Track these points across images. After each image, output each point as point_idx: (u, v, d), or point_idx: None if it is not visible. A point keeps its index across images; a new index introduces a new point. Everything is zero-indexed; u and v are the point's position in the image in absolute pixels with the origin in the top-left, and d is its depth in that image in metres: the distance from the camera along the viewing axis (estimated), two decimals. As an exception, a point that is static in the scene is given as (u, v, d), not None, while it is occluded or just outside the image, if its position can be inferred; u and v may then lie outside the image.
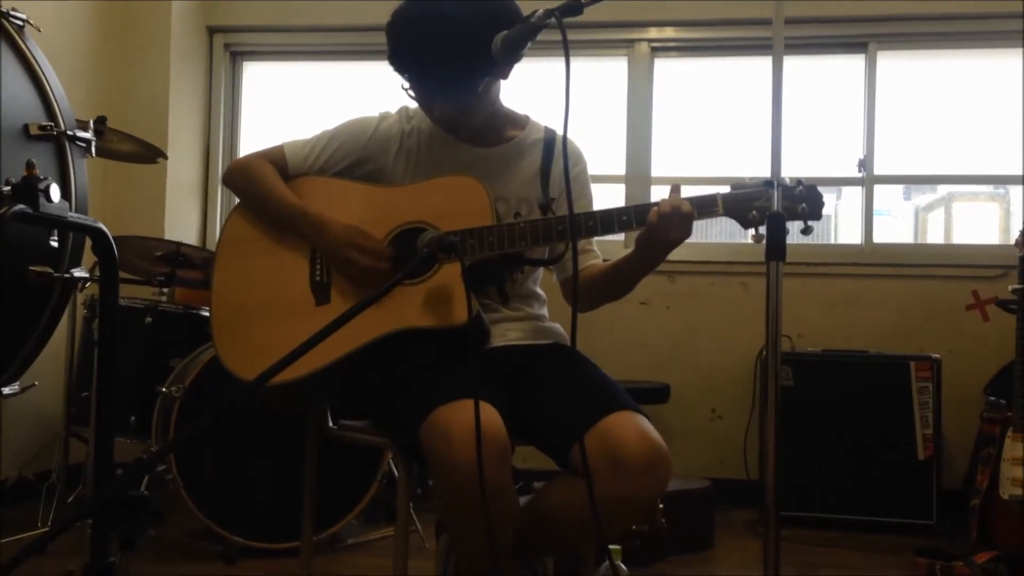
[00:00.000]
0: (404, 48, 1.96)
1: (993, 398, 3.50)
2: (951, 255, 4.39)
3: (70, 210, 1.95)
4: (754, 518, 3.89)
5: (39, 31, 2.16)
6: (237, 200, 2.18)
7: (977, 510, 3.37)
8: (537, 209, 2.08)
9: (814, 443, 3.82)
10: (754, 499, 3.79)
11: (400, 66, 1.98)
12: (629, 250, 1.98)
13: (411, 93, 2.01)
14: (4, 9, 2.07)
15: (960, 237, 4.64)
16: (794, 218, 1.82)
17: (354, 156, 2.11)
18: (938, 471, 3.77)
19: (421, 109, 2.07)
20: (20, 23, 2.12)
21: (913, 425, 3.79)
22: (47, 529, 3.23)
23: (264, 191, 2.09)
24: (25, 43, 2.10)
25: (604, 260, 2.14)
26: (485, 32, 1.83)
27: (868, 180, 4.43)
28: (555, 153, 2.13)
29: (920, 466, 3.77)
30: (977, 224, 4.73)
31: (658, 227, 1.86)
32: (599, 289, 2.09)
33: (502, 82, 2.07)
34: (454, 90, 1.97)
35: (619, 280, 2.06)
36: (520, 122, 2.19)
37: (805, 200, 1.84)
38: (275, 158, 2.12)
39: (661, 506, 3.02)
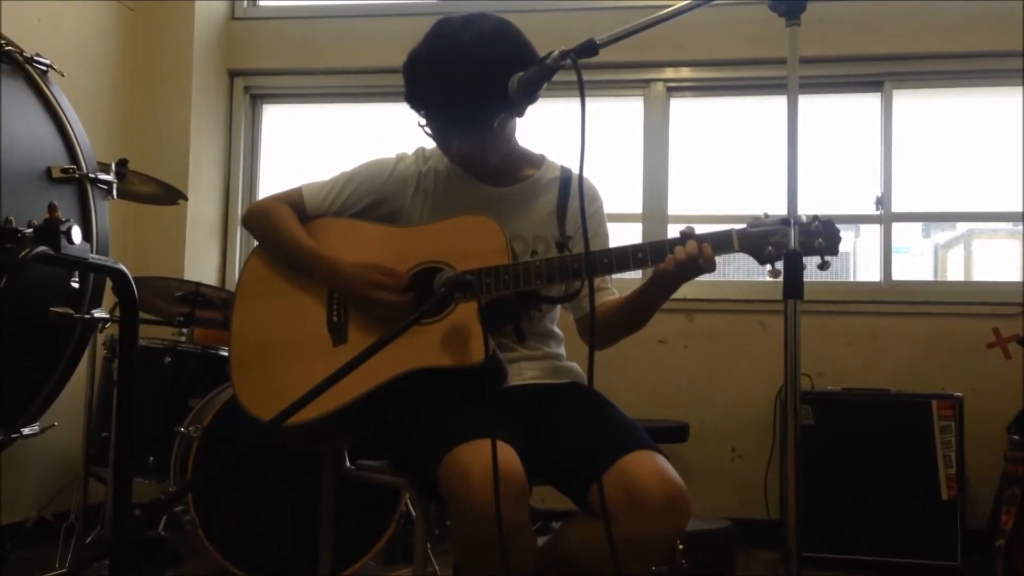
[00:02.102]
0: (420, 85, 1.99)
1: (1017, 437, 3.46)
2: (971, 292, 4.36)
3: (91, 251, 1.98)
4: (775, 559, 3.83)
5: (62, 75, 2.20)
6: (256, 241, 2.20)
7: (1002, 551, 3.31)
8: (554, 247, 2.09)
9: (835, 483, 3.78)
10: (775, 540, 3.76)
11: (416, 104, 2.01)
12: (641, 283, 1.99)
13: (428, 131, 2.03)
14: (28, 54, 2.11)
15: (980, 274, 4.62)
16: (810, 253, 1.82)
17: (372, 197, 2.13)
18: (962, 511, 3.72)
19: (438, 147, 2.09)
20: (43, 68, 2.15)
21: (936, 465, 3.74)
22: (65, 570, 3.22)
23: (281, 235, 2.11)
24: (48, 87, 2.13)
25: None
26: (500, 69, 1.86)
27: (886, 218, 4.42)
28: (571, 191, 2.15)
29: (944, 506, 3.71)
30: (997, 261, 4.70)
31: (676, 272, 1.87)
32: (615, 322, 2.09)
33: (518, 121, 2.09)
34: (469, 127, 1.99)
35: (634, 312, 2.06)
36: (536, 161, 2.20)
37: (821, 235, 1.83)
38: (293, 200, 2.15)
39: (681, 547, 2.99)
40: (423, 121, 2.02)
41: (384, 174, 2.14)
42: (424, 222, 2.10)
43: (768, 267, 1.84)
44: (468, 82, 1.91)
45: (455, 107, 1.95)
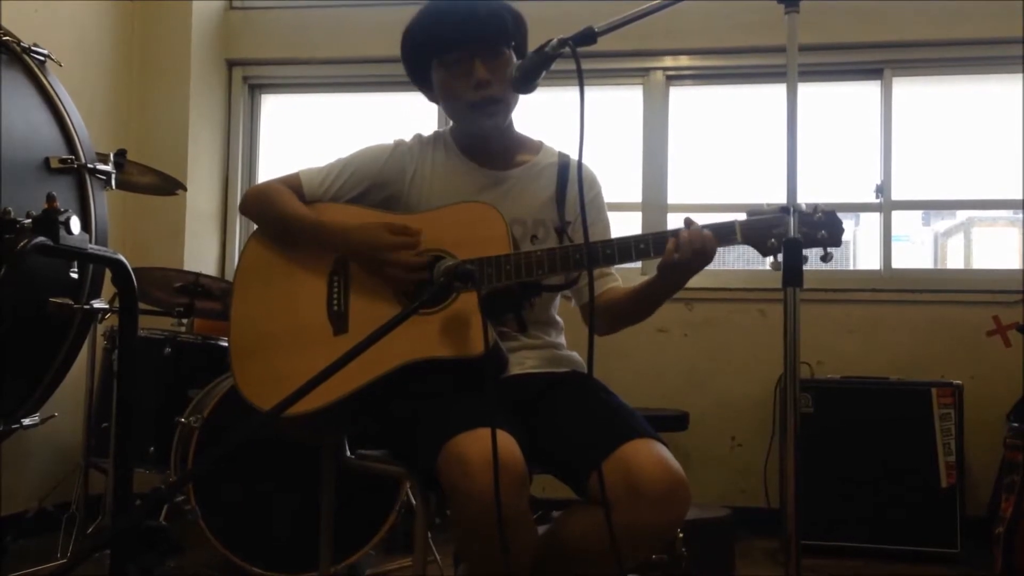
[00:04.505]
0: (426, 38, 2.05)
1: (1016, 424, 3.46)
2: (971, 281, 4.37)
3: (90, 242, 1.97)
4: (775, 547, 3.85)
5: (60, 65, 2.19)
6: (255, 228, 2.20)
7: (1001, 538, 3.31)
8: (553, 232, 2.09)
9: (835, 471, 3.79)
10: (774, 527, 3.76)
11: (424, 59, 2.07)
12: (647, 277, 1.99)
13: (441, 94, 2.08)
14: (26, 44, 2.10)
15: (980, 262, 4.62)
16: (814, 245, 1.81)
17: (369, 182, 2.12)
18: (961, 499, 3.73)
19: (449, 99, 2.09)
20: (41, 58, 2.14)
21: (935, 452, 3.75)
22: (66, 560, 3.22)
23: (282, 211, 2.09)
24: (46, 77, 2.12)
25: (623, 284, 2.14)
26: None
27: (886, 206, 4.42)
28: (570, 177, 2.14)
29: (943, 494, 3.72)
30: (997, 249, 4.70)
31: (678, 260, 1.86)
32: (618, 314, 2.09)
33: (515, 112, 2.10)
34: (492, 38, 2.04)
35: (640, 304, 2.06)
36: (534, 147, 2.21)
37: (824, 227, 1.82)
38: (291, 184, 2.14)
39: (680, 535, 2.99)
40: (436, 80, 2.06)
41: (382, 159, 2.13)
42: (422, 207, 2.09)
43: (770, 259, 1.83)
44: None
45: (474, 20, 2.00)
